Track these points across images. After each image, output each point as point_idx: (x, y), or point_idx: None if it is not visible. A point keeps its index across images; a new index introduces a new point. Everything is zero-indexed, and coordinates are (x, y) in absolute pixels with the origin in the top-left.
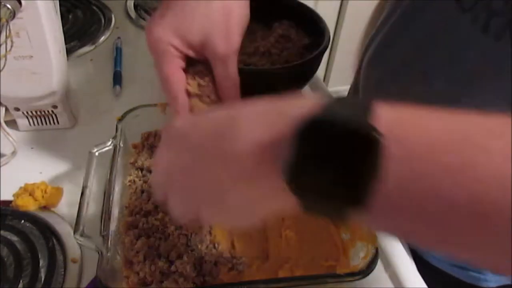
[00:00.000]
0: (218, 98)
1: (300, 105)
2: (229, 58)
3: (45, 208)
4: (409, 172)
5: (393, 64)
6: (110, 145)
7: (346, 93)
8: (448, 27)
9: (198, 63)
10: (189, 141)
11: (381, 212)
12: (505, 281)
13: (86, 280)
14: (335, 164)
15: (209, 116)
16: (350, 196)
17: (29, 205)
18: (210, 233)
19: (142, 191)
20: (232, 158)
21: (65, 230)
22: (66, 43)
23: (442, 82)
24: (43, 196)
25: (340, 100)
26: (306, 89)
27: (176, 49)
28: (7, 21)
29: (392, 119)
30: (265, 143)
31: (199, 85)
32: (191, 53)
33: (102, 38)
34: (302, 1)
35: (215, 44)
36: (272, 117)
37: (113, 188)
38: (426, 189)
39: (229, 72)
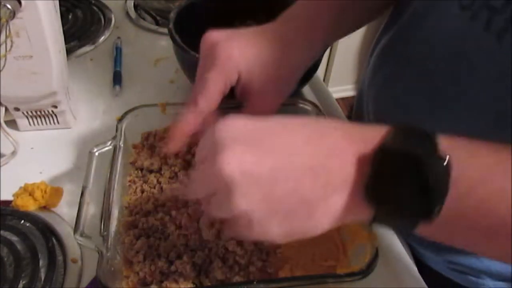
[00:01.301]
0: None
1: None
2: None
3: (45, 208)
4: (464, 191)
5: (399, 64)
6: (110, 145)
7: (345, 93)
8: (449, 26)
9: None
10: (263, 144)
11: (443, 223)
12: (502, 285)
13: (86, 280)
14: (412, 183)
15: (282, 121)
16: (424, 210)
17: (29, 205)
18: None
19: (142, 191)
20: (329, 169)
21: (65, 230)
22: (66, 43)
23: (443, 79)
24: (43, 196)
25: (406, 128)
26: (306, 89)
27: (239, 75)
28: (7, 21)
29: (448, 146)
30: (354, 160)
31: None
32: (238, 89)
33: (102, 38)
34: None
35: (266, 99)
36: (353, 138)
37: (113, 188)
38: (478, 205)
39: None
